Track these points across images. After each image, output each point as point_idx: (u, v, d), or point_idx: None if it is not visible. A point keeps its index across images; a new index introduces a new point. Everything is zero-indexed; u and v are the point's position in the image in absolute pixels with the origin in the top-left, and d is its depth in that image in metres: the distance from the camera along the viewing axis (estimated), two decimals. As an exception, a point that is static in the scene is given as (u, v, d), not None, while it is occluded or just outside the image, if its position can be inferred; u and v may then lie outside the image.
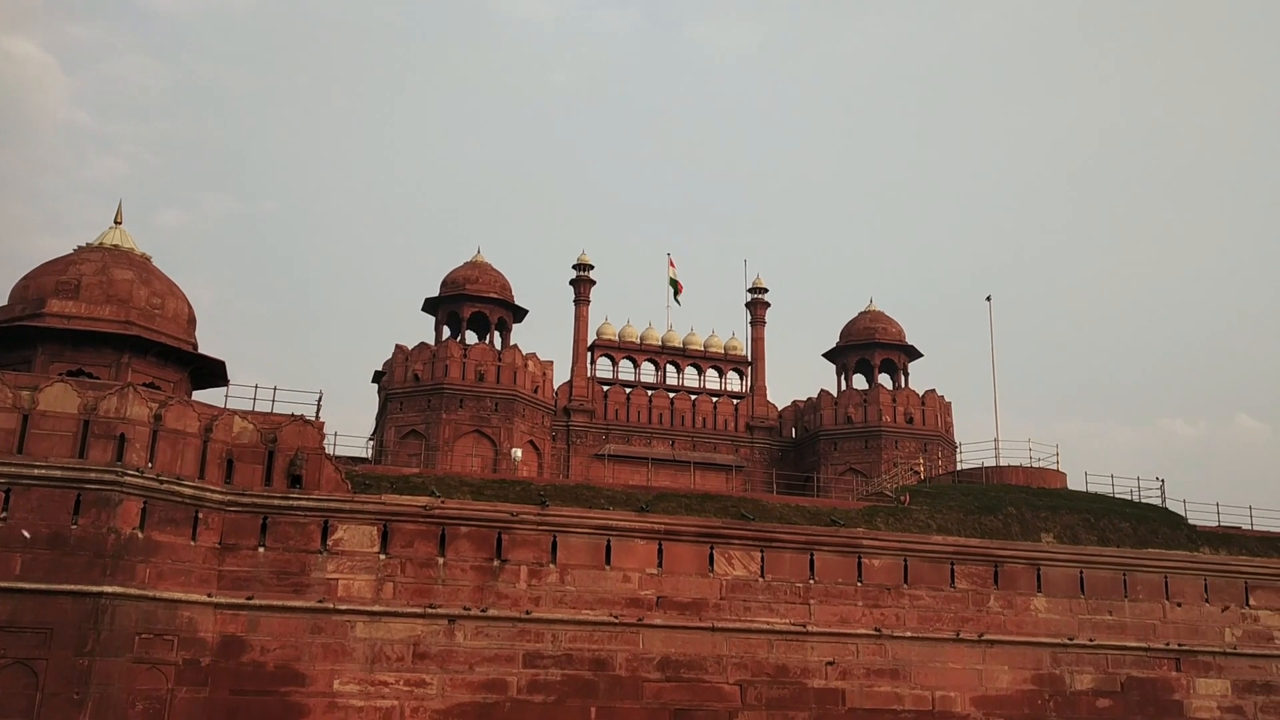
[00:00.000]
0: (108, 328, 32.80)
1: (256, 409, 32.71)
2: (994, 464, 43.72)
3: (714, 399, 63.86)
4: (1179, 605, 37.47)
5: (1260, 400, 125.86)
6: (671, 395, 62.92)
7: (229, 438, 31.13)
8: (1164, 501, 41.90)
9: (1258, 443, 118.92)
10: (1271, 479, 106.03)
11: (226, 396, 33.62)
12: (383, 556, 31.38)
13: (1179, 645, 36.93)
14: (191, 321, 35.73)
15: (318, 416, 33.00)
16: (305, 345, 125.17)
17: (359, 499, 31.62)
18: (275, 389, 33.46)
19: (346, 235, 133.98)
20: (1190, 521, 40.75)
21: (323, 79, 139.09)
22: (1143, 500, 41.89)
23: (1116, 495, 41.92)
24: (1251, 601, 38.30)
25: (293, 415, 32.40)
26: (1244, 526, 41.96)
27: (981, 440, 67.83)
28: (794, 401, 64.76)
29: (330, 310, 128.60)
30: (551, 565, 32.56)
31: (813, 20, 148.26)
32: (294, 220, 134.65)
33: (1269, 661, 37.64)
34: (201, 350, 35.30)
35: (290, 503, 30.98)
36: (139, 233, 36.78)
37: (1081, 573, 36.88)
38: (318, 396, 33.75)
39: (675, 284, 64.96)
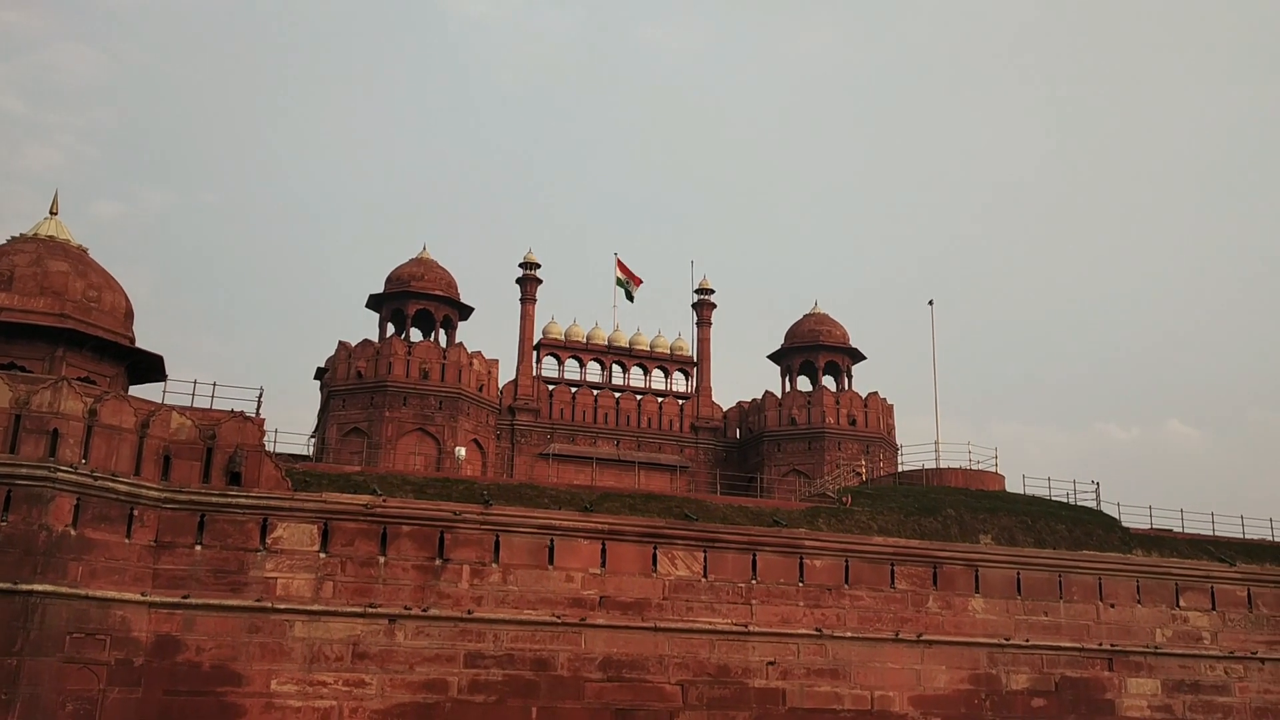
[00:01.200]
0: (42, 320, 32.12)
1: (195, 405, 32.23)
2: (934, 466, 44.31)
3: (659, 399, 63.95)
4: (1112, 606, 38.20)
5: (1191, 407, 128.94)
6: (617, 395, 62.94)
7: (166, 434, 30.61)
8: (1099, 504, 42.73)
9: (1189, 448, 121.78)
10: (1202, 483, 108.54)
11: (164, 392, 33.12)
12: (323, 555, 31.04)
13: (1112, 645, 37.65)
14: (129, 315, 35.08)
15: (258, 413, 32.60)
16: (246, 341, 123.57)
17: (299, 497, 31.25)
18: (215, 385, 33.03)
19: (289, 230, 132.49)
20: (1124, 524, 41.58)
21: (264, 72, 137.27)
22: (1079, 503, 42.67)
23: (1053, 498, 42.70)
24: (1181, 603, 39.14)
25: (232, 412, 31.95)
26: (1175, 529, 42.91)
27: (922, 442, 68.55)
28: (739, 402, 65.05)
29: (272, 306, 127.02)
30: (494, 565, 32.42)
31: (760, 23, 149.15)
32: (234, 214, 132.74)
33: (1197, 661, 38.51)
34: (139, 345, 34.68)
35: (229, 500, 30.53)
36: (75, 224, 36.06)
37: (1018, 574, 37.46)
38: (258, 393, 33.34)
39: (628, 282, 64.89)
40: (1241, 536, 43.25)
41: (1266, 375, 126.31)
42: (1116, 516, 41.96)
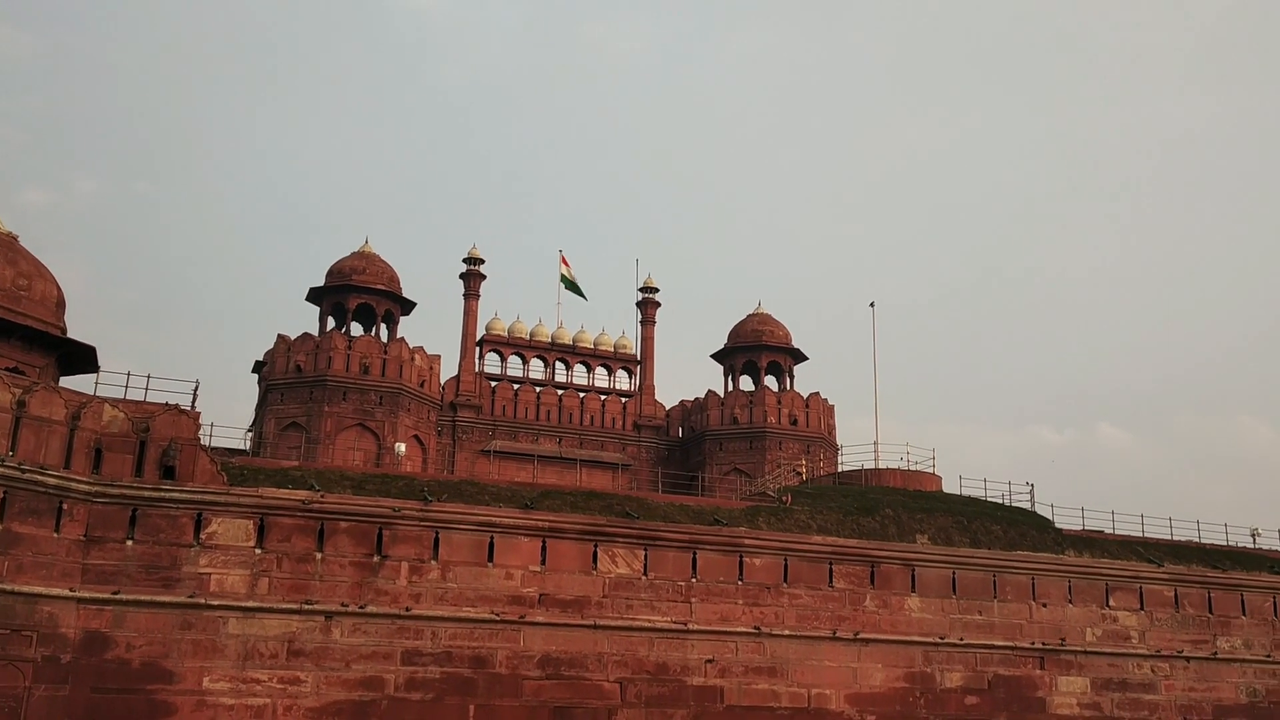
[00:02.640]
0: (-31, 308, 31.28)
1: (129, 397, 31.61)
2: (873, 466, 44.75)
3: (602, 397, 63.96)
4: (1044, 606, 38.85)
5: (1121, 410, 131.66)
6: (560, 392, 62.82)
7: (98, 426, 29.96)
8: (1033, 505, 43.46)
9: (1119, 450, 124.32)
10: (1131, 485, 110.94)
11: (97, 384, 32.38)
12: (258, 551, 30.59)
13: (1043, 644, 38.30)
14: (60, 305, 34.31)
15: (193, 406, 32.04)
16: (181, 333, 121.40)
17: (235, 492, 30.77)
18: (149, 377, 32.41)
19: (226, 221, 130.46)
20: (1057, 525, 42.32)
21: (201, 60, 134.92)
22: (1013, 504, 43.37)
23: (989, 499, 43.35)
24: (1111, 602, 39.93)
25: (167, 404, 31.38)
26: (1106, 530, 43.78)
27: (862, 443, 69.14)
28: (682, 401, 65.25)
29: (209, 298, 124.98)
30: (433, 562, 32.19)
31: (705, 22, 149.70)
32: (169, 203, 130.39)
33: (1125, 660, 39.31)
34: (70, 335, 33.92)
35: (162, 494, 29.97)
36: (3, 211, 35.35)
37: (954, 573, 37.97)
38: (194, 386, 32.79)
39: (574, 280, 64.74)
40: (1170, 538, 44.25)
41: (1193, 381, 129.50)
42: (1050, 518, 42.71)
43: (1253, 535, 46.76)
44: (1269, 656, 41.29)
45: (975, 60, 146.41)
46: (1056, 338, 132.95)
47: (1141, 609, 40.23)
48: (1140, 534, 43.91)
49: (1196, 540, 44.78)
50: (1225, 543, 45.46)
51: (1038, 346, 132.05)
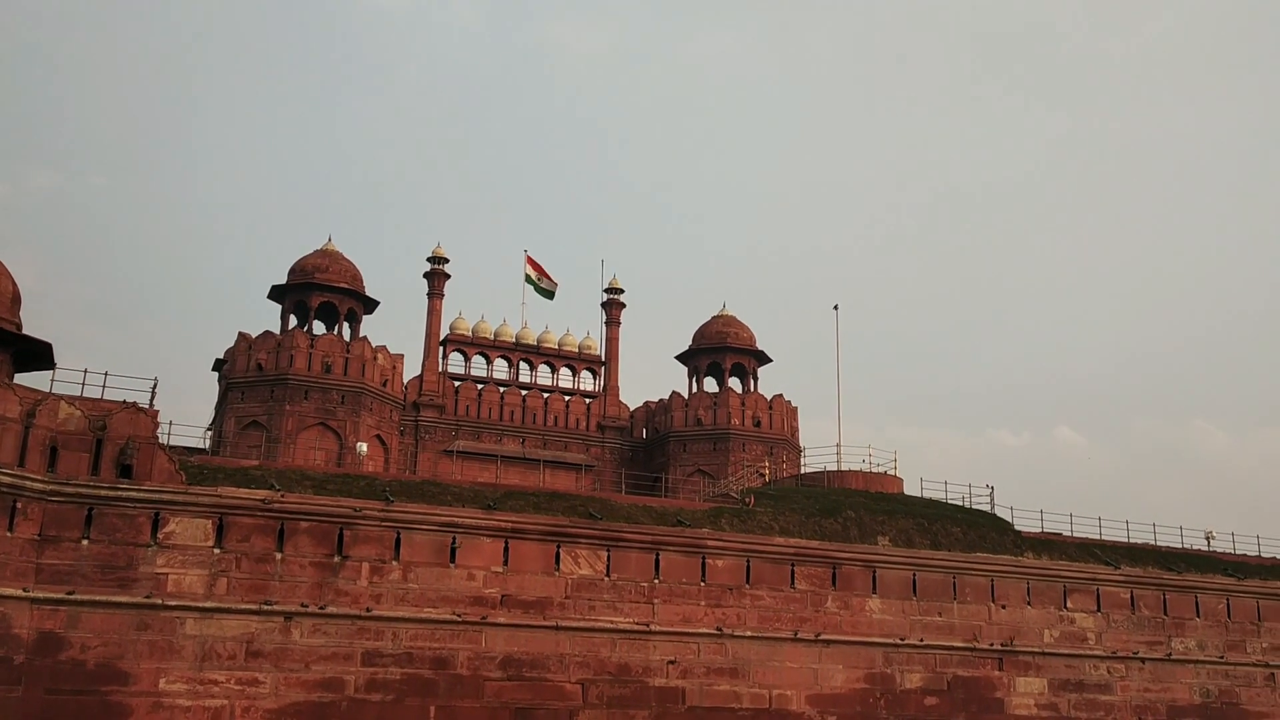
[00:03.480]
0: (-79, 303, 30.72)
1: (85, 395, 31.16)
2: (836, 468, 44.95)
3: (566, 398, 63.87)
4: (1003, 607, 39.20)
5: (1078, 414, 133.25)
6: (524, 393, 62.65)
7: (53, 424, 29.53)
8: (993, 508, 43.83)
9: (1076, 453, 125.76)
10: (1089, 488, 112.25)
11: (52, 381, 31.93)
12: (217, 551, 30.28)
13: (1002, 645, 38.63)
14: (15, 300, 33.75)
15: (151, 404, 31.70)
16: (140, 330, 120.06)
17: (193, 491, 30.44)
18: (106, 374, 32.03)
19: (186, 217, 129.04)
20: (1016, 527, 42.69)
21: (163, 54, 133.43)
22: (973, 506, 43.69)
23: (949, 501, 43.66)
24: (1069, 604, 40.34)
25: (124, 402, 31.00)
26: (1064, 533, 44.21)
27: (825, 445, 69.60)
28: (646, 402, 65.28)
29: (167, 295, 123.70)
30: (395, 562, 31.99)
31: (669, 24, 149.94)
32: (127, 198, 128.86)
33: (1082, 661, 39.73)
34: (26, 331, 33.38)
35: (119, 493, 29.58)
36: (-41, 204, 34.57)
37: (914, 575, 38.22)
38: (152, 384, 32.49)
39: (541, 279, 64.54)
40: (1126, 540, 44.76)
41: (1149, 385, 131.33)
42: (1009, 520, 43.08)
43: (1207, 538, 47.45)
44: (1222, 657, 41.91)
45: (935, 63, 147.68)
46: (1015, 342, 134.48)
47: (1098, 610, 40.68)
48: (1098, 536, 44.39)
49: (1152, 543, 45.36)
50: (1180, 545, 46.08)
51: (997, 351, 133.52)
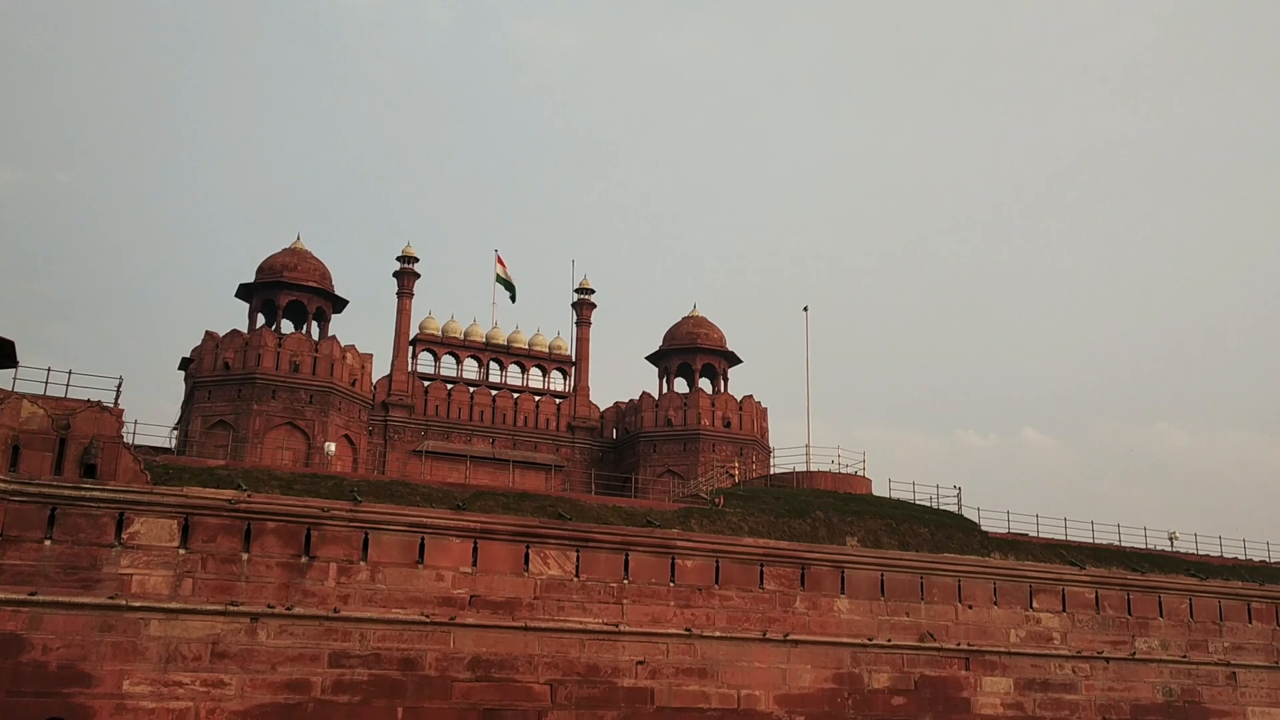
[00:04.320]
0: (-120, 300, 30.26)
1: (49, 394, 30.78)
2: (805, 469, 45.10)
3: (536, 398, 63.76)
4: (970, 607, 39.46)
5: (1045, 416, 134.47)
6: (494, 393, 62.49)
7: (16, 423, 29.16)
8: (960, 509, 44.10)
9: (1043, 454, 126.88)
10: (1055, 489, 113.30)
11: (15, 379, 31.55)
12: (182, 551, 29.99)
13: (968, 645, 38.89)
14: (-22, 297, 33.32)
15: (116, 403, 31.35)
16: (105, 328, 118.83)
17: (159, 491, 30.14)
18: (70, 373, 31.66)
19: (153, 214, 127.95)
20: (983, 528, 42.99)
21: (129, 50, 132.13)
22: (941, 507, 43.94)
23: (917, 502, 43.89)
24: (1035, 604, 40.67)
25: (89, 401, 30.64)
26: (1030, 534, 44.57)
27: (794, 445, 69.89)
28: (616, 403, 65.27)
29: (134, 292, 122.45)
30: (362, 563, 31.81)
31: (635, 24, 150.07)
32: (92, 195, 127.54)
33: (1047, 661, 40.06)
34: (-12, 328, 32.93)
35: (82, 493, 29.24)
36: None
37: (882, 575, 38.41)
38: (117, 382, 32.14)
39: (508, 280, 64.39)
40: (1092, 541, 45.20)
41: (1112, 387, 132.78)
42: (976, 521, 43.37)
43: (1170, 539, 48.03)
44: (1185, 657, 42.38)
45: (905, 66, 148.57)
46: (982, 344, 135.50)
47: (1064, 611, 41.04)
48: (1064, 537, 44.78)
49: (1117, 543, 45.82)
50: (1144, 546, 46.59)
51: (964, 352, 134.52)
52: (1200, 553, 47.65)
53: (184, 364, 57.47)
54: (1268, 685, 43.61)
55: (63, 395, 30.91)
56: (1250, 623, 44.25)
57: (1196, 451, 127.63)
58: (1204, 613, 43.48)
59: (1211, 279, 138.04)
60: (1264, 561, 48.81)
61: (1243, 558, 48.24)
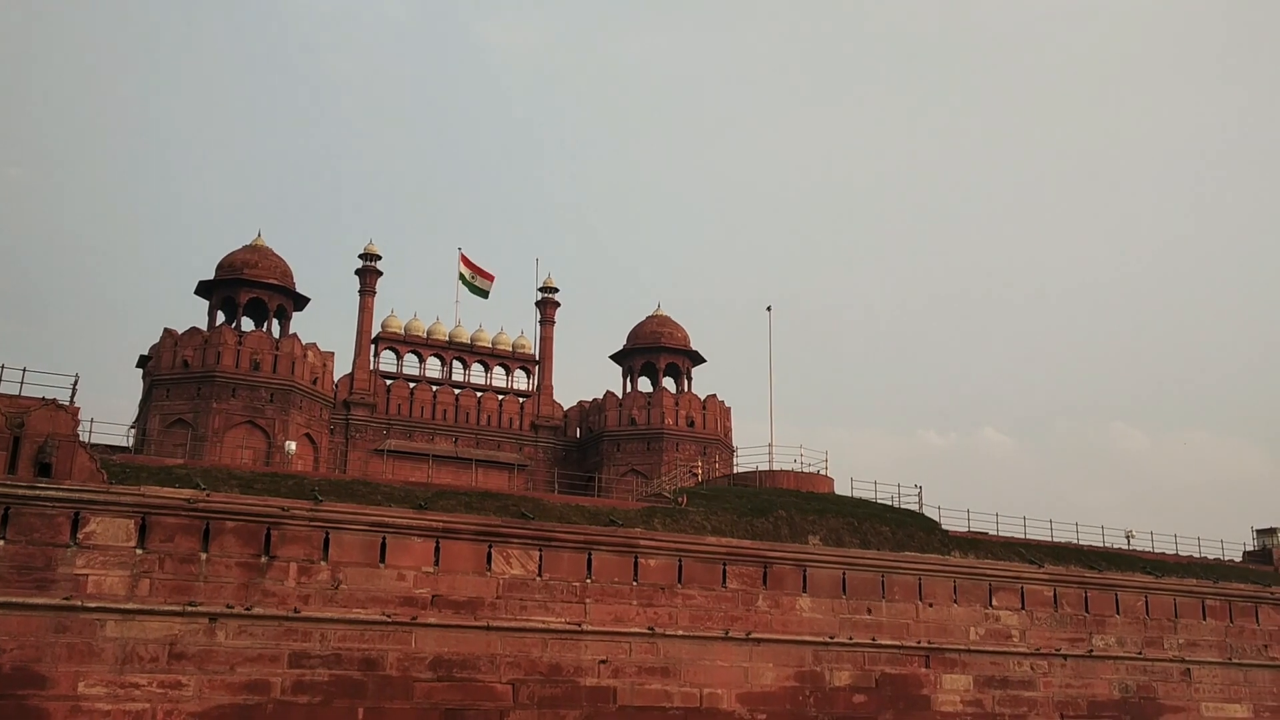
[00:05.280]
0: None
1: (3, 391, 30.27)
2: (768, 468, 45.27)
3: (500, 397, 63.56)
4: (930, 605, 39.76)
5: (1004, 416, 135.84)
6: (457, 391, 62.24)
7: (-32, 421, 28.67)
8: (921, 507, 44.43)
9: (1001, 454, 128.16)
10: (1014, 488, 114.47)
11: (-34, 377, 30.96)
12: (140, 551, 29.62)
13: (929, 643, 39.19)
14: (-70, 293, 32.74)
15: (73, 401, 30.91)
16: (61, 324, 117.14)
17: (115, 490, 29.74)
18: (24, 370, 31.14)
19: (110, 210, 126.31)
20: (944, 527, 43.35)
21: (81, 44, 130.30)
22: (902, 506, 44.28)
23: (879, 500, 44.19)
24: (994, 602, 41.06)
25: (44, 399, 30.17)
26: (990, 532, 45.01)
27: (757, 445, 69.99)
28: (580, 402, 65.21)
29: (91, 288, 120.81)
30: (323, 562, 31.56)
31: (598, 24, 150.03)
32: (47, 189, 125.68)
33: (1006, 658, 40.45)
34: (-60, 325, 32.37)
35: (37, 493, 28.79)
36: None
37: (844, 574, 38.61)
38: (73, 380, 31.64)
39: (475, 277, 64.05)
40: (1050, 539, 45.71)
41: (1070, 387, 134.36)
42: (937, 519, 43.73)
43: (1127, 537, 48.68)
44: (1141, 653, 42.95)
45: (867, 66, 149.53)
46: (942, 344, 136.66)
47: (1023, 608, 41.46)
48: (1023, 535, 45.27)
49: (1075, 542, 46.35)
50: (1102, 544, 47.17)
51: (924, 352, 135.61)
52: (1156, 551, 48.36)
53: (142, 362, 56.81)
54: (1221, 681, 44.30)
55: (17, 393, 30.39)
56: (1204, 620, 44.92)
57: (1154, 451, 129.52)
58: (1160, 610, 44.08)
59: (1167, 281, 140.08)
60: (1218, 560, 49.60)
61: (1197, 556, 48.99)
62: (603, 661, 34.03)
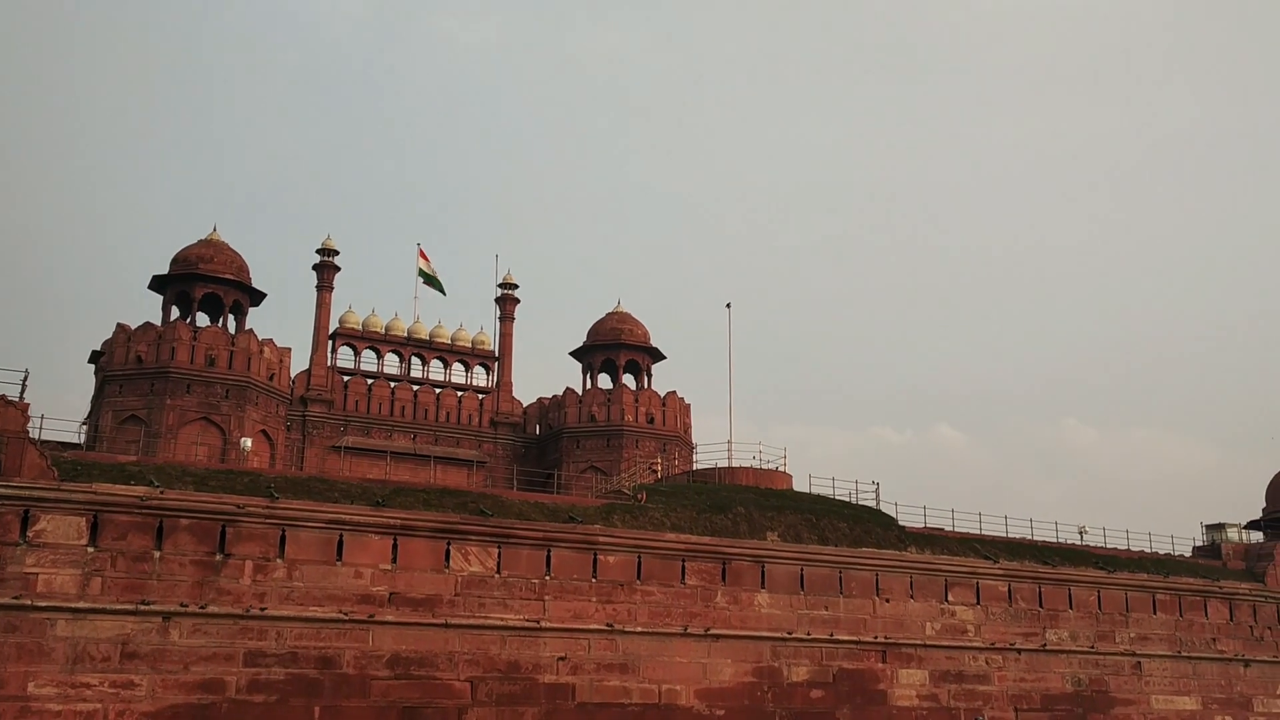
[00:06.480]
0: None
1: (-51, 386, 29.76)
2: (727, 465, 45.41)
3: (459, 393, 63.27)
4: (887, 601, 40.10)
5: (958, 412, 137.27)
6: (415, 388, 61.90)
7: (-86, 417, 28.14)
8: (878, 504, 44.75)
9: (956, 450, 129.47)
10: (969, 484, 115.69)
11: (-87, 372, 30.44)
12: (91, 549, 29.20)
13: (885, 638, 39.52)
14: (-126, 287, 32.09)
15: (22, 397, 30.46)
16: (10, 319, 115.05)
17: (66, 487, 29.31)
18: (-28, 365, 30.60)
19: (60, 204, 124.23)
20: (901, 523, 43.69)
21: (36, 36, 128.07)
22: (859, 502, 44.57)
23: (836, 497, 44.44)
24: (950, 597, 41.48)
25: (-8, 395, 29.68)
26: (946, 528, 45.43)
27: (717, 442, 70.44)
28: (539, 398, 65.06)
29: (41, 282, 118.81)
30: (279, 560, 31.28)
31: (557, 19, 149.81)
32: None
33: (962, 653, 40.89)
34: (-115, 319, 31.73)
35: (-15, 490, 28.31)
36: None
37: (802, 570, 38.84)
38: (22, 375, 31.18)
39: (435, 281, 63.69)
40: (1005, 535, 46.20)
41: (1022, 385, 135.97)
42: (894, 515, 44.07)
43: (1080, 533, 49.33)
44: (1093, 648, 43.56)
45: (827, 61, 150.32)
46: (897, 341, 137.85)
47: (978, 603, 41.91)
48: (978, 531, 45.72)
49: (1029, 538, 46.87)
50: (1055, 540, 47.74)
51: (880, 350, 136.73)
52: (1108, 546, 49.03)
53: (94, 357, 55.98)
54: (1170, 674, 45.04)
55: (-36, 389, 29.89)
56: (1155, 614, 45.65)
57: (1105, 448, 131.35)
58: (1111, 604, 44.73)
59: (1118, 280, 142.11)
60: (1168, 555, 50.40)
61: (1148, 551, 49.77)
62: (561, 659, 34.01)
